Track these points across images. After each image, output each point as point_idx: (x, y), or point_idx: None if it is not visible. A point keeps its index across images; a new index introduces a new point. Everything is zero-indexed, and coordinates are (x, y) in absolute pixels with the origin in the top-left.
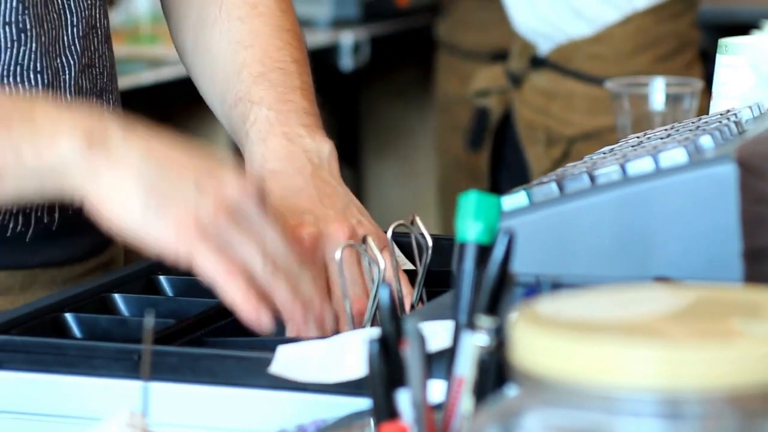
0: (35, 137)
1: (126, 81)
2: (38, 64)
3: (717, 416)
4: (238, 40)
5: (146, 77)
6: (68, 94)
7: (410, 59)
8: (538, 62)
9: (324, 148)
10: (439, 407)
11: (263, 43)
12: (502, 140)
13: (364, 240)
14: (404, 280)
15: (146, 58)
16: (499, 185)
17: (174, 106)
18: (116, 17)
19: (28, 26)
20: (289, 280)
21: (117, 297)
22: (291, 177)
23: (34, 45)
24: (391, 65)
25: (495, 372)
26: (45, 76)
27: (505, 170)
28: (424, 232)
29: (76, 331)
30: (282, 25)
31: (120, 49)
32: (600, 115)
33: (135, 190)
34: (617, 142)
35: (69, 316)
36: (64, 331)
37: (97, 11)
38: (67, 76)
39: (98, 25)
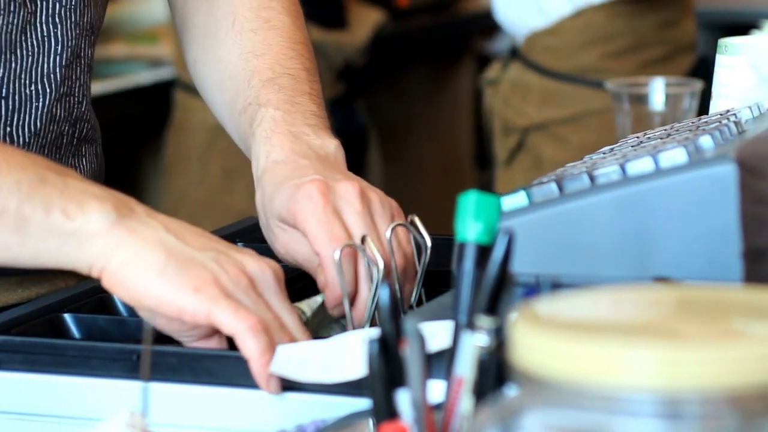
0: (66, 199)
1: (126, 81)
2: (2, 90)
3: (717, 416)
4: (250, 49)
5: (146, 77)
6: (38, 122)
7: (411, 59)
8: (513, 53)
9: (330, 145)
10: (439, 407)
11: (275, 52)
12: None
13: (363, 240)
14: (409, 276)
15: (146, 58)
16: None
17: (173, 107)
18: (116, 17)
19: None
20: None
21: (115, 297)
22: (295, 162)
23: (0, 70)
24: (391, 65)
25: (495, 372)
26: (11, 102)
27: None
28: (423, 232)
29: (74, 331)
30: (294, 37)
31: (120, 49)
32: (550, 107)
33: (155, 257)
34: (617, 142)
35: (67, 317)
36: (62, 332)
37: (84, 41)
38: (40, 103)
39: (83, 54)
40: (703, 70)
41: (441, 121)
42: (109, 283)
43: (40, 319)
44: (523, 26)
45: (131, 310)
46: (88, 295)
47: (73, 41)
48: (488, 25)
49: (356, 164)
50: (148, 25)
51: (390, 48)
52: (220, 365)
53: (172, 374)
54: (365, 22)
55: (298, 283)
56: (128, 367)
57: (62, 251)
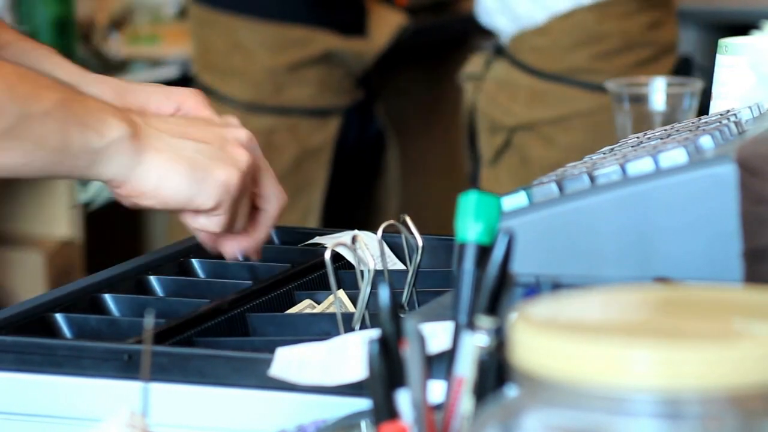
0: (95, 118)
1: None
2: None
3: (717, 416)
4: None
5: (146, 77)
6: None
7: (410, 59)
8: (499, 51)
9: None
10: (439, 407)
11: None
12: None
13: (354, 240)
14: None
15: (146, 58)
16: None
17: None
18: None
19: None
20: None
21: (107, 297)
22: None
23: None
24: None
25: (495, 372)
26: None
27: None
28: (415, 232)
29: (65, 331)
30: None
31: (120, 49)
32: (537, 106)
33: (180, 167)
34: (617, 142)
35: (59, 316)
36: (53, 331)
37: None
38: None
39: None
40: (684, 71)
41: (440, 120)
42: (135, 193)
43: (32, 319)
44: (512, 25)
45: (122, 310)
46: (80, 295)
47: None
48: None
49: (374, 168)
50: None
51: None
52: (210, 365)
53: (163, 374)
54: (386, 25)
55: (299, 279)
56: (120, 367)
57: (91, 167)
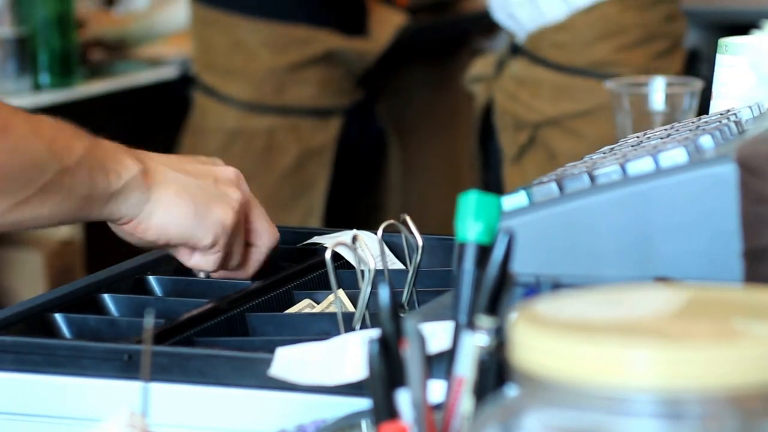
0: (113, 161)
1: (126, 81)
2: None
3: (717, 416)
4: None
5: (146, 77)
6: None
7: (410, 58)
8: (515, 49)
9: None
10: (439, 407)
11: None
12: (489, 127)
13: (354, 239)
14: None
15: (146, 58)
16: (487, 170)
17: (174, 106)
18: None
19: None
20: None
21: (106, 297)
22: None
23: None
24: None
25: (495, 372)
26: None
27: (492, 156)
28: (415, 232)
29: (65, 331)
30: None
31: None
32: (562, 101)
33: (184, 201)
34: (617, 141)
35: (58, 317)
36: (53, 332)
37: None
38: None
39: None
40: (693, 65)
41: (441, 120)
42: (141, 229)
43: (31, 319)
44: (528, 24)
45: (122, 310)
46: (79, 295)
47: None
48: (488, 24)
49: (376, 168)
50: (165, 35)
51: (389, 47)
52: (210, 365)
53: (163, 374)
54: (387, 24)
55: (298, 279)
56: (118, 367)
57: (108, 207)
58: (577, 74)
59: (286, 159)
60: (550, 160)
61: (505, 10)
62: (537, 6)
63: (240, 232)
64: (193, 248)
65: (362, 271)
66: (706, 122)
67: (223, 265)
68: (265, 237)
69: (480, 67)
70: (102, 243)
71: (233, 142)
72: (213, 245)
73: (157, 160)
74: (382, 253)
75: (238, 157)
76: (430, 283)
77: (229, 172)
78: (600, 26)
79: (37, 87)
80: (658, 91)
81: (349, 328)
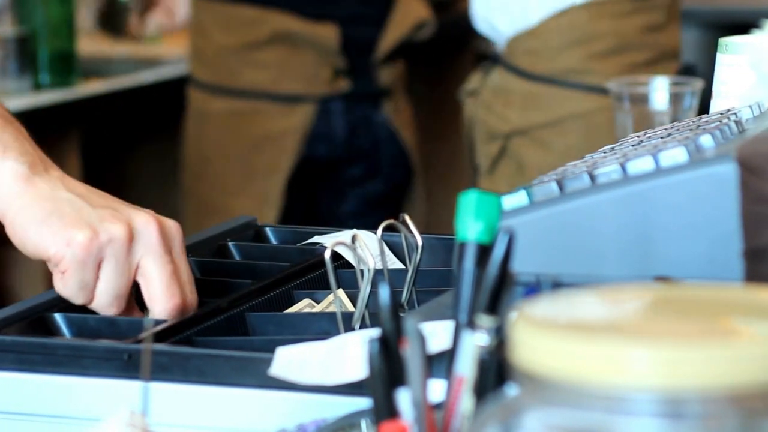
0: (11, 140)
1: (126, 81)
2: None
3: (717, 416)
4: None
5: (146, 77)
6: None
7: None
8: (495, 59)
9: None
10: (439, 406)
11: None
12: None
13: (353, 239)
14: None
15: (146, 58)
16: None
17: (174, 106)
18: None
19: None
20: None
21: None
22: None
23: None
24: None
25: (495, 371)
26: None
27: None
28: (414, 231)
29: (64, 330)
30: None
31: (120, 49)
32: (531, 110)
33: (41, 208)
34: (617, 141)
35: (58, 316)
36: (52, 331)
37: None
38: None
39: None
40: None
41: (441, 120)
42: (7, 229)
43: (31, 319)
44: (506, 30)
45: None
46: None
47: None
48: None
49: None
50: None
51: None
52: (210, 364)
53: (162, 373)
54: (407, 17)
55: (298, 279)
56: (118, 367)
57: None
58: (545, 82)
59: (239, 143)
60: (519, 173)
61: (483, 17)
62: (511, 11)
63: (92, 264)
64: (53, 266)
65: (362, 271)
66: (706, 122)
67: (80, 297)
68: (155, 306)
69: (472, 81)
70: None
71: (201, 124)
72: (57, 261)
73: (55, 173)
74: (382, 252)
75: (199, 139)
76: (430, 282)
77: (140, 218)
78: (570, 33)
79: (37, 87)
80: (658, 90)
81: (349, 327)
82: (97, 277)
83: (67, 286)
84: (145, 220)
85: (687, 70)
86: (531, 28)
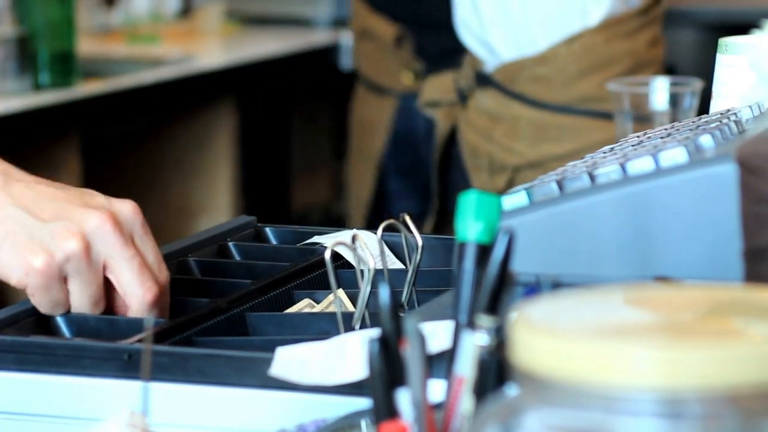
0: None
1: (126, 81)
2: None
3: (717, 416)
4: None
5: (146, 77)
6: None
7: None
8: (483, 80)
9: None
10: (439, 407)
11: None
12: (448, 158)
13: (353, 239)
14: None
15: (146, 58)
16: (447, 207)
17: (174, 106)
18: (116, 17)
19: None
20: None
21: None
22: None
23: None
24: None
25: (495, 372)
26: None
27: (453, 192)
28: (415, 231)
29: (65, 330)
30: None
31: (120, 49)
32: (545, 143)
33: None
34: (617, 141)
35: (58, 316)
36: (52, 331)
37: None
38: None
39: None
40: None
41: None
42: None
43: (31, 319)
44: (505, 53)
45: None
46: None
47: None
48: None
49: None
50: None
51: None
52: (211, 364)
53: (163, 373)
54: None
55: (298, 279)
56: (119, 367)
57: None
58: (561, 112)
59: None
60: None
61: (475, 33)
62: (515, 34)
63: (80, 282)
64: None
65: (362, 271)
66: (706, 122)
67: (70, 311)
68: (132, 299)
69: (437, 90)
70: None
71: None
72: (22, 288)
73: (9, 188)
74: (382, 252)
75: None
76: (430, 282)
77: (93, 219)
78: (586, 58)
79: (37, 87)
80: (659, 90)
81: (349, 327)
82: (67, 291)
83: (40, 306)
84: (96, 223)
85: (669, 70)
86: (539, 54)
